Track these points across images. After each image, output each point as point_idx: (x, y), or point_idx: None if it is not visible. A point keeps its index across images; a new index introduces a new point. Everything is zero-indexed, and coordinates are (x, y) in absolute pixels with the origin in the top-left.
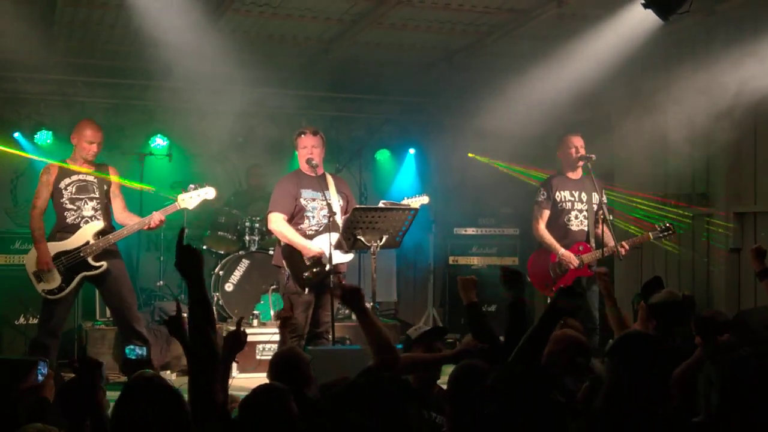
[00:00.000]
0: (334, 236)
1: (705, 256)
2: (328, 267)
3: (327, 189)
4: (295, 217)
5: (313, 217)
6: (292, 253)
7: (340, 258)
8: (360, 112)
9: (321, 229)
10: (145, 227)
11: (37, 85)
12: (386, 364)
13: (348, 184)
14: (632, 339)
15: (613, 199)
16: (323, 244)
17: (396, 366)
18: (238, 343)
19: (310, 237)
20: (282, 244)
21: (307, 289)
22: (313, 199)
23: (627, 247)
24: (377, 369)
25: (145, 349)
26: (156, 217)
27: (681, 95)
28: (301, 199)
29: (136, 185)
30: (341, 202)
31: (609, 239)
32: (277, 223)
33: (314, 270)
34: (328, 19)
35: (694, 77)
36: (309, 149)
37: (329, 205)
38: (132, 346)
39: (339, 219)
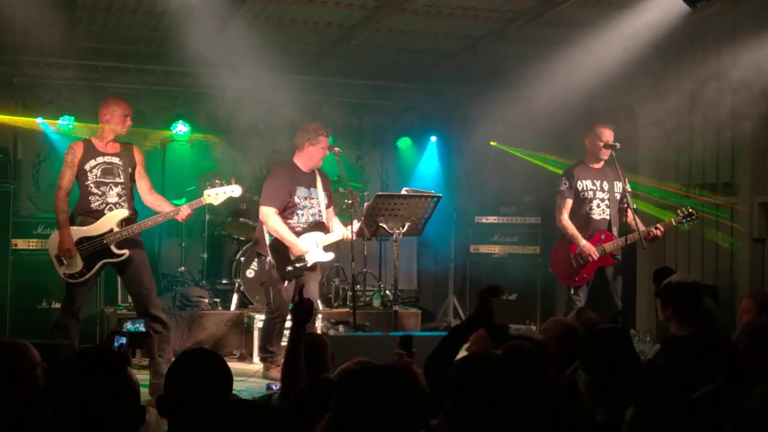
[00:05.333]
0: (319, 235)
1: (729, 246)
2: (309, 264)
3: (316, 187)
4: (285, 211)
5: (303, 215)
6: (279, 245)
7: (323, 257)
8: (382, 99)
9: (307, 227)
10: (176, 217)
11: (60, 70)
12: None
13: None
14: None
15: (636, 186)
16: (309, 242)
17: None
18: (304, 313)
19: (297, 234)
20: (268, 234)
21: (286, 282)
22: (306, 198)
23: (662, 228)
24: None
25: (125, 339)
26: (184, 211)
27: (706, 84)
28: (295, 197)
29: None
30: (326, 201)
31: (641, 225)
32: (269, 217)
33: (297, 265)
34: (351, 5)
35: (719, 66)
36: (325, 150)
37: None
38: (136, 322)
39: (324, 216)
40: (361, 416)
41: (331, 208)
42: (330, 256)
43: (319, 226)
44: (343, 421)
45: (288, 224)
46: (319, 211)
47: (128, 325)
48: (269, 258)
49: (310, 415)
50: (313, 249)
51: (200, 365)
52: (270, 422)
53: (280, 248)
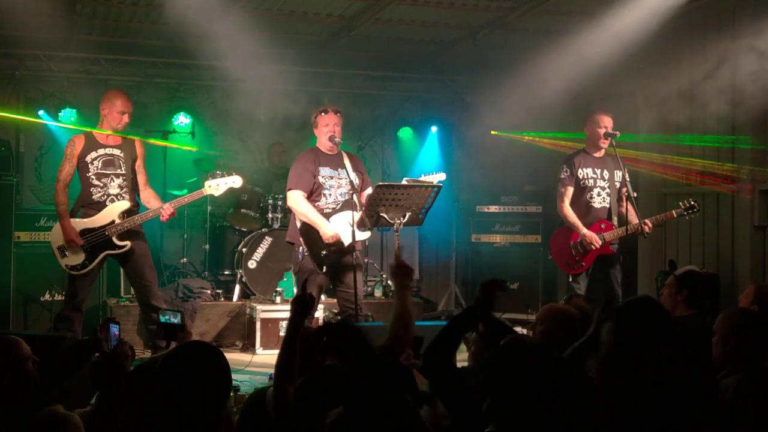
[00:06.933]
0: (351, 213)
1: (729, 234)
2: (345, 245)
3: (344, 167)
4: (313, 194)
5: (331, 195)
6: (310, 230)
7: (359, 236)
8: (382, 89)
9: (338, 207)
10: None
11: (61, 63)
12: (400, 342)
13: (363, 161)
14: (641, 303)
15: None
16: (340, 223)
17: (406, 346)
18: (305, 306)
19: (327, 215)
20: (299, 220)
21: (324, 267)
22: (332, 177)
23: (650, 224)
24: (389, 346)
25: (179, 315)
26: (166, 210)
27: (706, 71)
28: (320, 177)
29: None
30: (357, 181)
31: (633, 217)
32: (297, 200)
33: (332, 249)
34: None
35: (719, 52)
36: (331, 127)
37: (351, 183)
38: (167, 313)
39: (355, 197)
40: (376, 409)
41: (368, 189)
42: (366, 234)
43: (350, 204)
44: (354, 412)
45: (317, 207)
46: (349, 190)
47: (161, 317)
48: (301, 247)
49: (316, 404)
50: (345, 229)
51: (194, 363)
52: None
53: (311, 233)
